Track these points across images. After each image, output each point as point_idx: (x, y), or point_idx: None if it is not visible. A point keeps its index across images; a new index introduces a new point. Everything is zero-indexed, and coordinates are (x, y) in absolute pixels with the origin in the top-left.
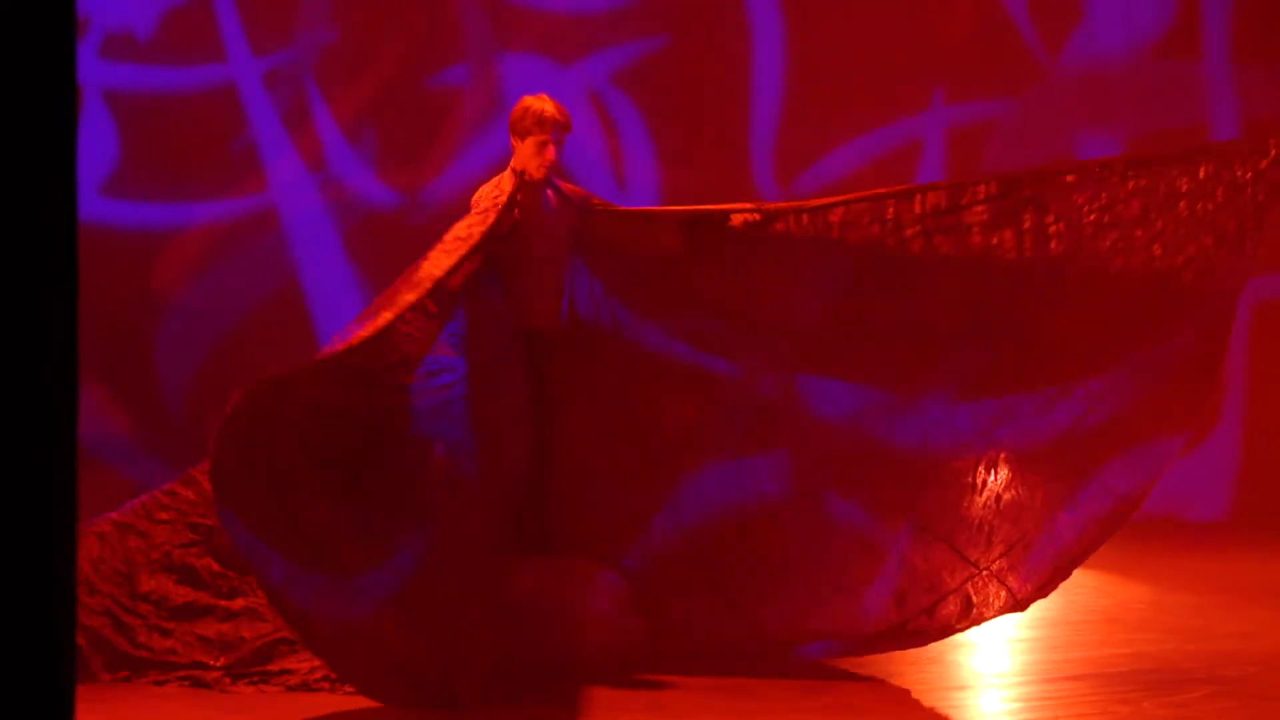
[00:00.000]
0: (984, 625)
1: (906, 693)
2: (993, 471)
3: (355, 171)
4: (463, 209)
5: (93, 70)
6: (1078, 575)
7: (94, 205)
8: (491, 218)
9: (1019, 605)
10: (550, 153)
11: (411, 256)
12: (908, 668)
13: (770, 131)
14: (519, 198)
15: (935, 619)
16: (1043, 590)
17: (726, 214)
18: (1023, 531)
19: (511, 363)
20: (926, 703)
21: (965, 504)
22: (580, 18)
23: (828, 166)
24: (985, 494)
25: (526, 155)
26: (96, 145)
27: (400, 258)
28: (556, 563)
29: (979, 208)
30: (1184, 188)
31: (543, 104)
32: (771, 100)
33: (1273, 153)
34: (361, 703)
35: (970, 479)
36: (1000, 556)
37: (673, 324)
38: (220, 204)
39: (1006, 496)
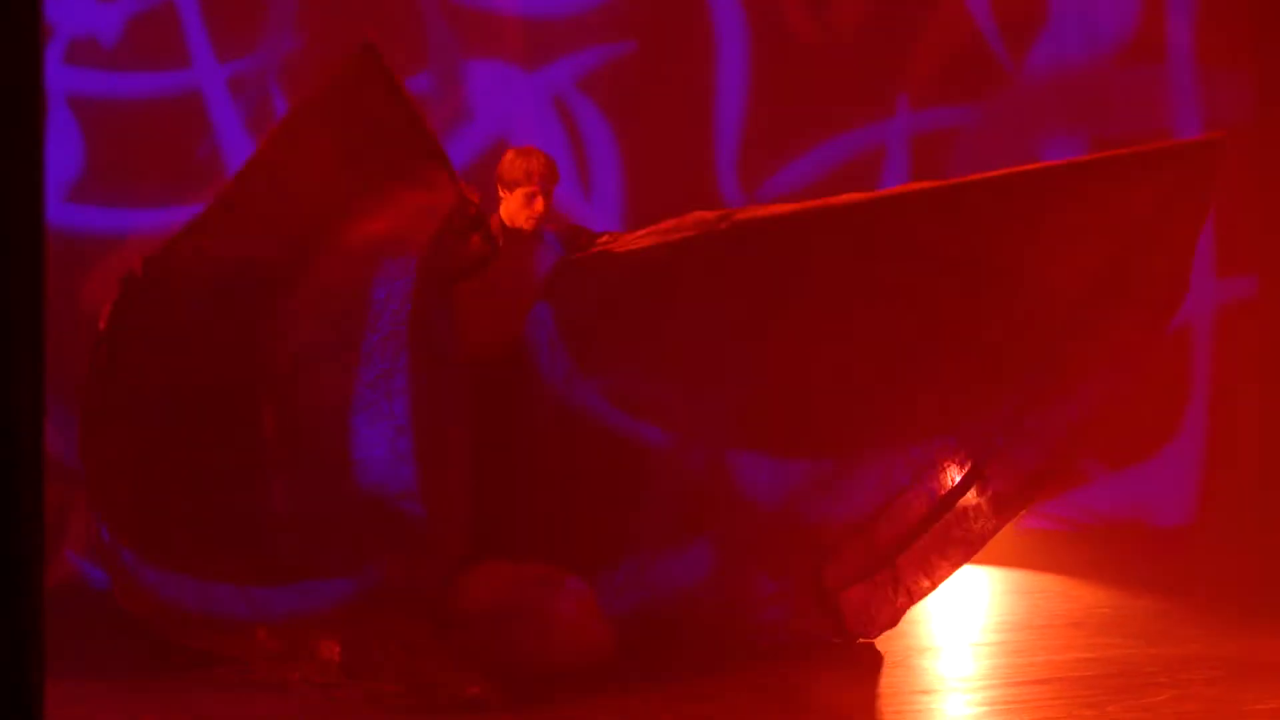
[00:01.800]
0: (949, 630)
1: (873, 697)
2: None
3: None
4: None
5: (58, 76)
6: (1041, 579)
7: (59, 211)
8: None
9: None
10: (539, 204)
11: None
12: (870, 671)
13: (735, 137)
14: (500, 244)
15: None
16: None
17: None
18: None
19: (457, 389)
20: (892, 707)
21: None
22: (545, 23)
23: (793, 172)
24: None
25: (515, 207)
26: (61, 151)
27: None
28: (520, 569)
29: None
30: (1105, 199)
31: (530, 157)
32: (736, 107)
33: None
34: None
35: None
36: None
37: (612, 384)
38: (185, 209)
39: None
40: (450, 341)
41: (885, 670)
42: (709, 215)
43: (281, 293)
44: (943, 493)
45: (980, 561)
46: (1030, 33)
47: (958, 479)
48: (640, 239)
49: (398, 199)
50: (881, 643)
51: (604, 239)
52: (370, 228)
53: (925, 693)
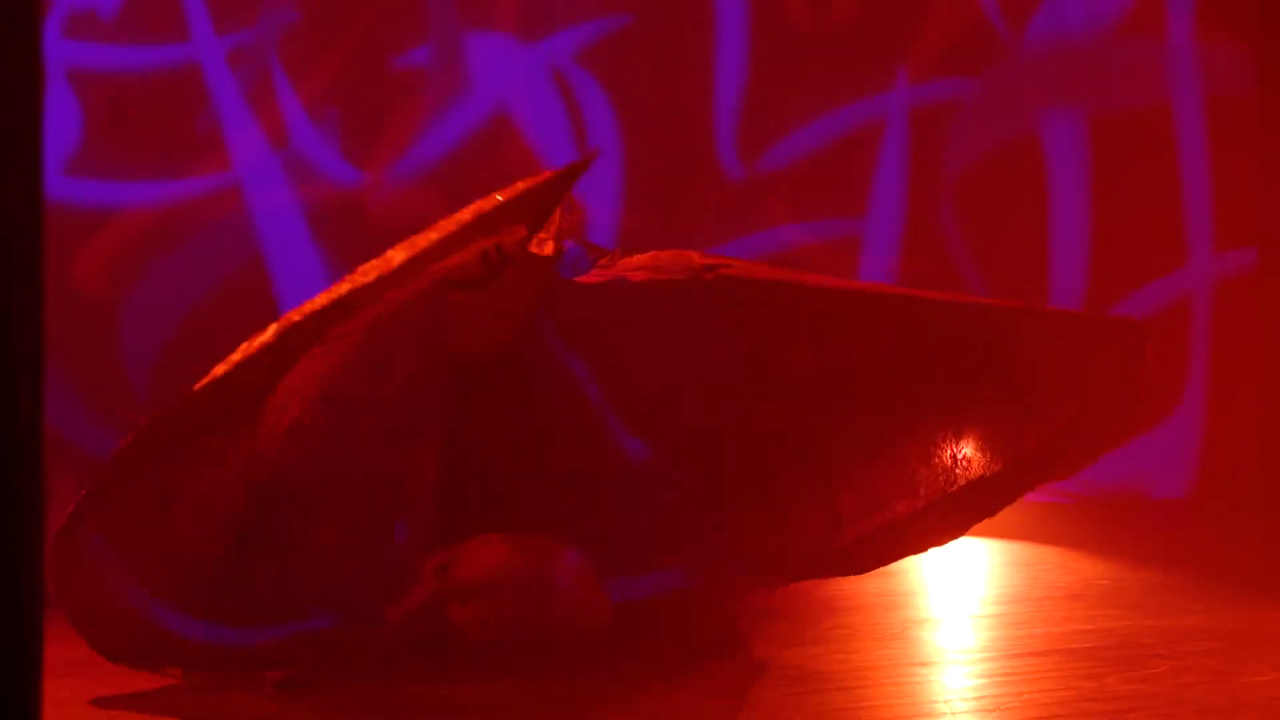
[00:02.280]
0: (947, 602)
1: (872, 669)
2: None
3: (319, 150)
4: (426, 187)
5: (57, 49)
6: (1041, 552)
7: (57, 184)
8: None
9: None
10: (548, 247)
11: (374, 233)
12: (869, 644)
13: (734, 110)
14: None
15: None
16: None
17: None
18: None
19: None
20: (891, 679)
21: None
22: None
23: (792, 145)
24: None
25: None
26: (60, 124)
27: (364, 235)
28: (517, 540)
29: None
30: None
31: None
32: (735, 79)
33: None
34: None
35: None
36: None
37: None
38: (184, 182)
39: None
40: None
41: (883, 642)
42: (697, 261)
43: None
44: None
45: (978, 534)
46: (1030, 6)
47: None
48: (634, 271)
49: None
50: (879, 615)
51: (602, 261)
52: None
53: (924, 665)
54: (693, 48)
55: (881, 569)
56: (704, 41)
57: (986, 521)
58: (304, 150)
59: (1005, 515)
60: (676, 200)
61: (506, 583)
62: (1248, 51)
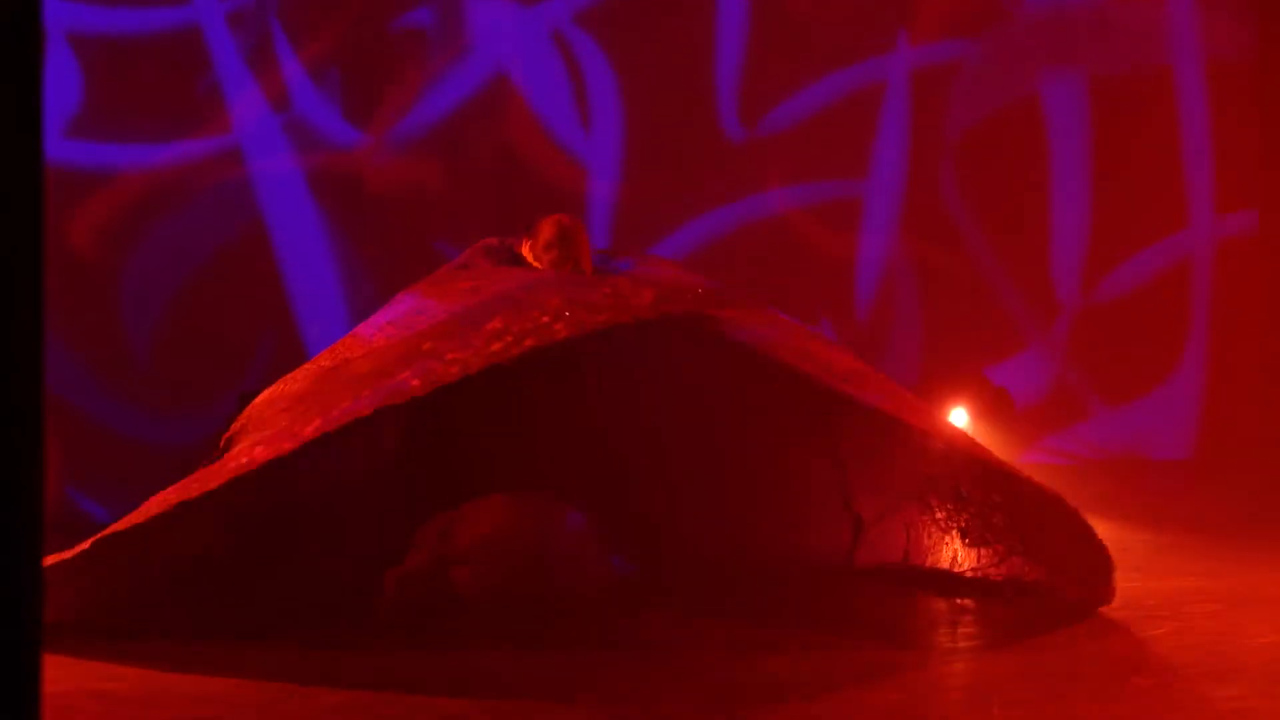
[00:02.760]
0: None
1: (872, 629)
2: None
3: (320, 112)
4: (428, 147)
5: (56, 12)
6: None
7: (58, 147)
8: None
9: None
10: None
11: (376, 197)
12: (870, 606)
13: (735, 73)
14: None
15: None
16: None
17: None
18: None
19: None
20: (893, 641)
21: None
22: None
23: (793, 107)
24: None
25: (532, 257)
26: (61, 87)
27: (365, 197)
28: (520, 501)
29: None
30: None
31: (562, 246)
32: (736, 42)
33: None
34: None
35: None
36: None
37: None
38: (184, 145)
39: None
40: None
41: (884, 604)
42: (646, 299)
43: None
44: None
45: None
46: None
47: None
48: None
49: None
50: (880, 578)
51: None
52: None
53: (926, 628)
54: (693, 10)
55: None
56: (705, 3)
57: None
58: (305, 112)
59: None
60: (677, 163)
61: (506, 545)
62: (1248, 14)
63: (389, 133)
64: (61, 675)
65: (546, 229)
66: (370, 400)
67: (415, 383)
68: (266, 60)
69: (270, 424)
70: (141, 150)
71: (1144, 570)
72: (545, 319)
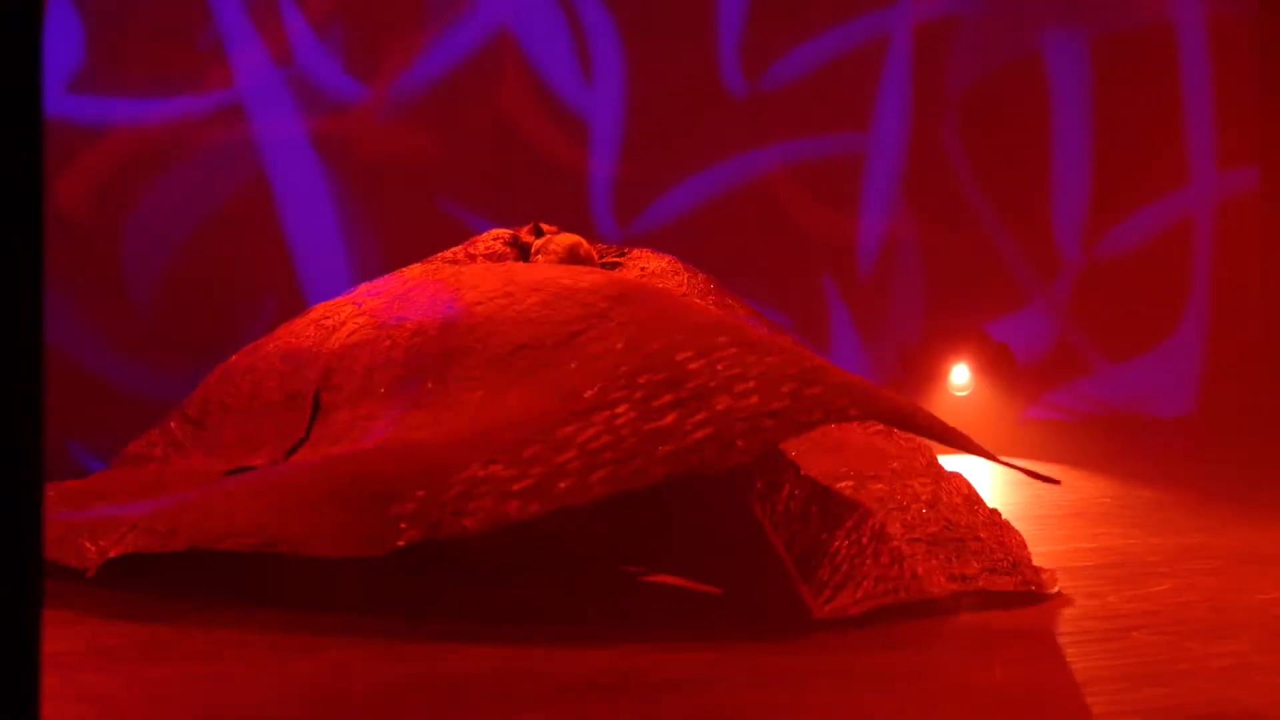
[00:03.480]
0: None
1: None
2: None
3: (323, 66)
4: (430, 103)
5: None
6: (1045, 470)
7: (60, 102)
8: None
9: None
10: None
11: (378, 152)
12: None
13: (737, 25)
14: None
15: None
16: None
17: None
18: None
19: None
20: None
21: None
22: None
23: (796, 59)
24: None
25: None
26: (62, 42)
27: (367, 152)
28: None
29: None
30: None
31: (587, 257)
32: None
33: None
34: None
35: None
36: None
37: None
38: (186, 100)
39: None
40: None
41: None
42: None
43: None
44: None
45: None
46: None
47: None
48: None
49: None
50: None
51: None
52: None
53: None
54: None
55: None
56: None
57: (989, 440)
58: (307, 67)
59: (1006, 433)
60: (678, 118)
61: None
62: None
63: (391, 88)
64: (60, 633)
65: (558, 249)
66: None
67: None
68: (269, 14)
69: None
70: (143, 105)
71: (1144, 527)
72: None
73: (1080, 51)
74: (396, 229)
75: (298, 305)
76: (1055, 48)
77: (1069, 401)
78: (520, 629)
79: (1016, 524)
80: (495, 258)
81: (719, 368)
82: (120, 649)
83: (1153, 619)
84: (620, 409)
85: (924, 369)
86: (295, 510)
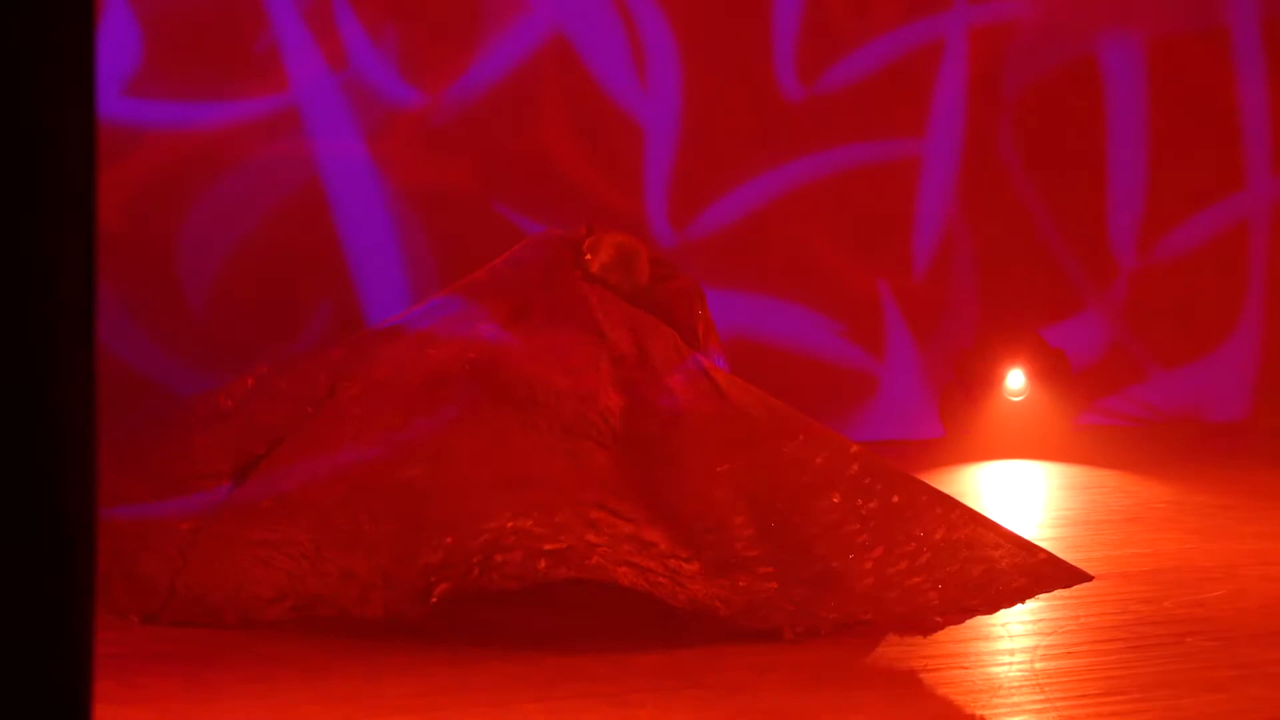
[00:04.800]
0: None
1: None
2: None
3: (378, 71)
4: (486, 108)
5: None
6: (1098, 475)
7: (116, 105)
8: None
9: None
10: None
11: (433, 157)
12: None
13: (793, 32)
14: None
15: None
16: None
17: None
18: None
19: None
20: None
21: None
22: None
23: (851, 66)
24: None
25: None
26: (118, 45)
27: (422, 157)
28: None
29: None
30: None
31: (635, 254)
32: (794, 0)
33: None
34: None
35: None
36: None
37: None
38: (242, 104)
39: None
40: None
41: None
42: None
43: None
44: None
45: (1036, 457)
46: None
47: None
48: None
49: None
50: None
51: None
52: None
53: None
54: None
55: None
56: None
57: (1044, 445)
58: (363, 71)
59: (1062, 438)
60: (734, 122)
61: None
62: None
63: (446, 93)
64: (119, 637)
65: (607, 249)
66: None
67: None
68: (324, 18)
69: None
70: (198, 109)
71: (1200, 532)
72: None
73: (1135, 55)
74: (451, 235)
75: (352, 312)
76: (1110, 51)
77: (1124, 407)
78: (569, 633)
79: (1071, 528)
80: (550, 264)
81: (737, 546)
82: (177, 653)
83: (1208, 625)
84: (653, 537)
85: (979, 374)
86: (323, 554)
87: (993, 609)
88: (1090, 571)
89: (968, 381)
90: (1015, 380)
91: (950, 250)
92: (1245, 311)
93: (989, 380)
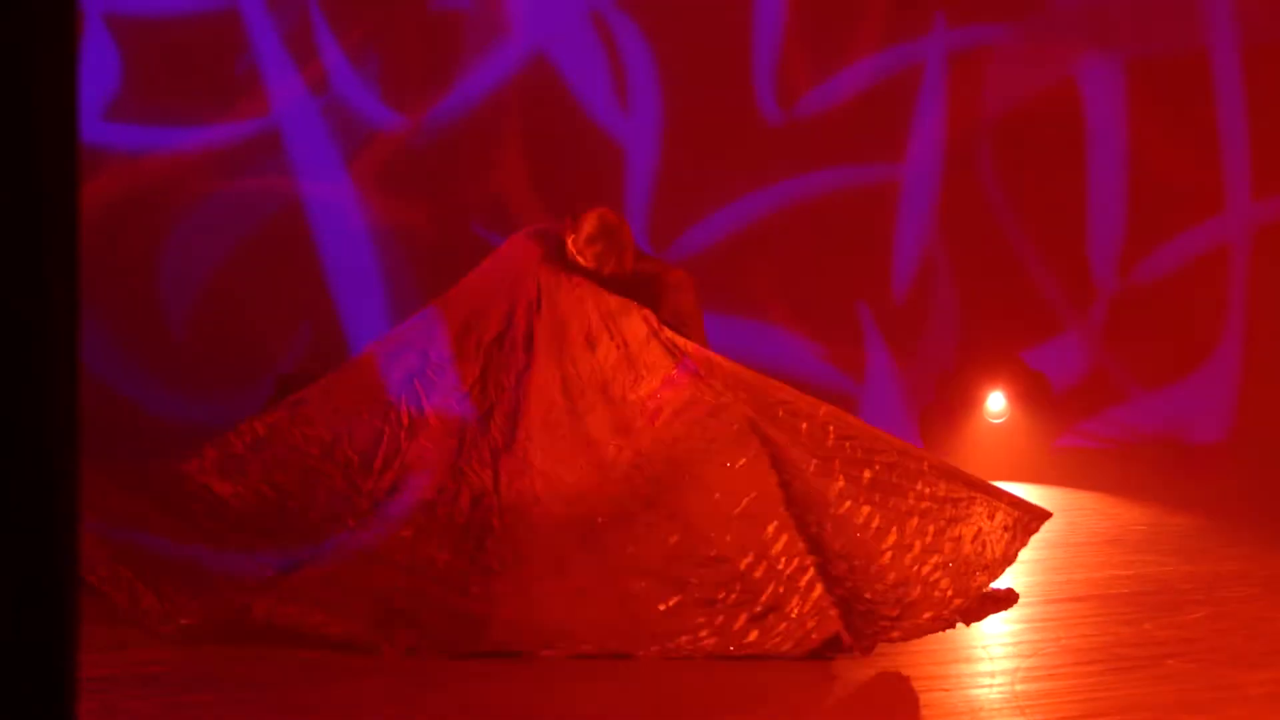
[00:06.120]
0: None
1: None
2: None
3: (359, 94)
4: (466, 130)
5: None
6: (1079, 497)
7: (98, 129)
8: None
9: None
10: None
11: (413, 179)
12: None
13: (772, 55)
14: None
15: None
16: None
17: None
18: None
19: None
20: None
21: None
22: None
23: (831, 89)
24: None
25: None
26: (99, 70)
27: (403, 179)
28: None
29: None
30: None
31: (618, 224)
32: (774, 24)
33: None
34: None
35: None
36: None
37: None
38: (223, 127)
39: None
40: None
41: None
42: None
43: None
44: None
45: (1017, 479)
46: None
47: None
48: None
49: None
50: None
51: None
52: None
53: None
54: None
55: None
56: None
57: (1024, 467)
58: (344, 95)
59: (1042, 460)
60: (714, 146)
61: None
62: None
63: (427, 115)
64: (102, 660)
65: (589, 223)
66: None
67: None
68: (305, 42)
69: None
70: (179, 133)
71: (1180, 554)
72: None
73: (1114, 77)
74: (432, 255)
75: (333, 333)
76: (1089, 74)
77: (1104, 429)
78: (559, 659)
79: (1051, 550)
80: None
81: (779, 566)
82: (161, 676)
83: (1189, 646)
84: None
85: (959, 396)
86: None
87: (994, 576)
88: (1071, 594)
89: (948, 403)
90: (996, 402)
91: (930, 273)
92: (1225, 334)
93: (969, 402)
